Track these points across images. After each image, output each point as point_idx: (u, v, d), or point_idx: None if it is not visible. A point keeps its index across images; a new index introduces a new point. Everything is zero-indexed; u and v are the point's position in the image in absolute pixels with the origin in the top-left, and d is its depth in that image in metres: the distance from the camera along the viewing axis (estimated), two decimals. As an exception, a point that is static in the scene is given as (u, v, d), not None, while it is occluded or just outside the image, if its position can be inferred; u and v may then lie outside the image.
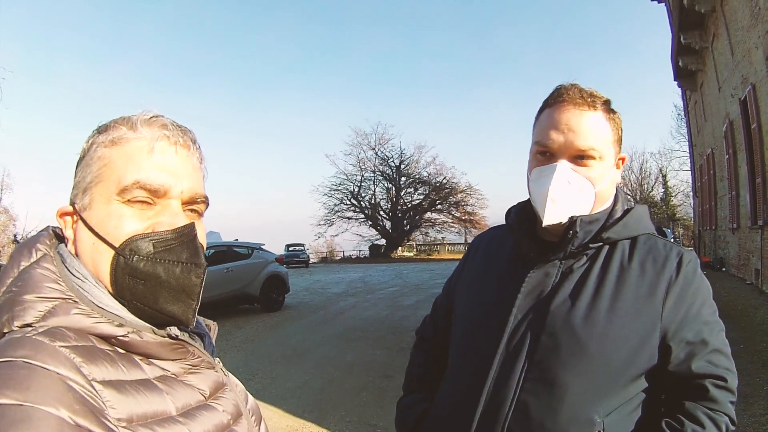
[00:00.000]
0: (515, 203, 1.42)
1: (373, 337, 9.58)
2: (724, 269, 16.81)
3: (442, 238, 52.37)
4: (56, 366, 0.64)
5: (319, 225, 48.91)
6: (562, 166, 1.21)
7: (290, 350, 8.70)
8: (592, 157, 1.21)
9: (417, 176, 50.20)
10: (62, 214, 0.85)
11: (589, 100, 1.22)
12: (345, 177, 49.59)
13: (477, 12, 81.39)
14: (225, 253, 13.14)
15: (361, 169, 49.59)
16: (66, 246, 0.85)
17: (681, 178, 43.50)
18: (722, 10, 13.93)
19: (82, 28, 79.16)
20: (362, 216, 50.02)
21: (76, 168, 0.85)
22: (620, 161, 1.30)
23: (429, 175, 49.87)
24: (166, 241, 0.80)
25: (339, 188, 49.42)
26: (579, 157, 1.22)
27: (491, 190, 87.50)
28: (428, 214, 50.77)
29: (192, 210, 0.88)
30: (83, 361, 0.68)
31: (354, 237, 51.48)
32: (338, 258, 50.43)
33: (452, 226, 50.52)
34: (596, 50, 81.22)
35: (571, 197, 1.21)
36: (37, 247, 0.82)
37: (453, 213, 49.57)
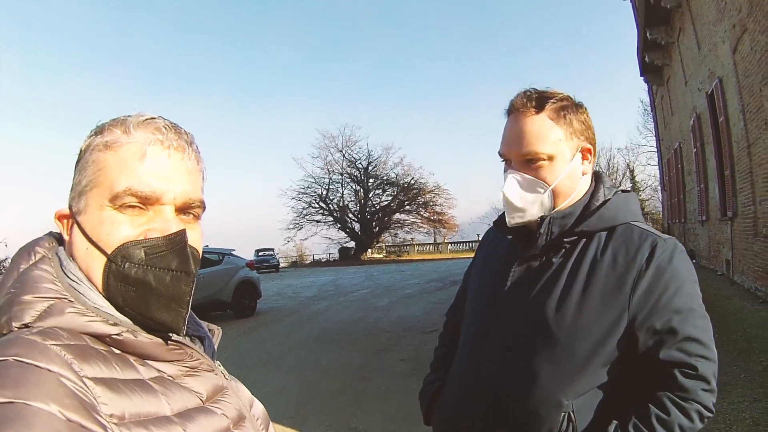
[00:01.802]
0: None
1: (348, 340, 9.51)
2: (694, 261, 17.14)
3: (412, 238, 52.54)
4: (48, 363, 0.64)
5: (288, 229, 48.64)
6: (513, 172, 1.33)
7: (266, 355, 8.58)
8: (540, 159, 1.30)
9: (385, 177, 50.21)
10: (60, 217, 0.86)
11: (533, 103, 1.30)
12: (313, 180, 49.32)
13: (453, 11, 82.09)
14: (196, 259, 12.87)
15: (328, 171, 49.43)
16: (64, 249, 0.85)
17: (648, 173, 44.14)
18: (688, 5, 14.14)
19: (76, 32, 78.58)
20: (331, 219, 49.74)
21: (75, 169, 0.85)
22: (587, 152, 1.36)
23: (397, 176, 49.91)
24: (158, 247, 0.80)
25: (307, 191, 49.09)
26: (528, 161, 1.31)
27: (466, 188, 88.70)
28: (397, 215, 50.83)
29: (187, 214, 0.87)
30: (75, 359, 0.68)
31: (323, 240, 51.33)
32: (308, 262, 50.14)
33: (421, 227, 50.93)
34: (561, 48, 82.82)
35: (526, 198, 1.31)
36: (36, 249, 0.84)
37: (422, 213, 49.84)
